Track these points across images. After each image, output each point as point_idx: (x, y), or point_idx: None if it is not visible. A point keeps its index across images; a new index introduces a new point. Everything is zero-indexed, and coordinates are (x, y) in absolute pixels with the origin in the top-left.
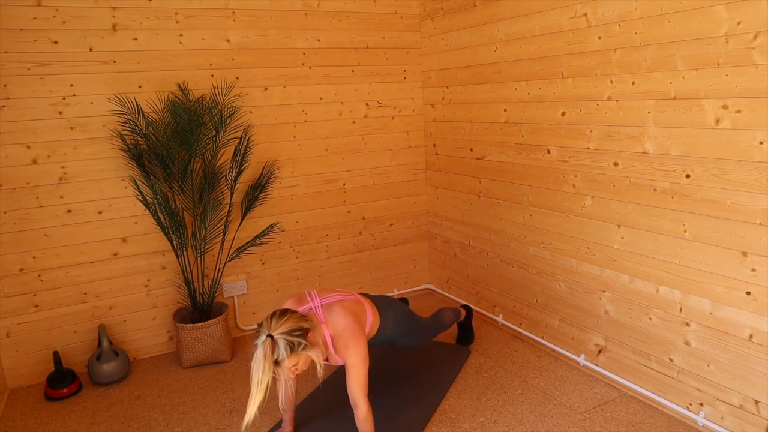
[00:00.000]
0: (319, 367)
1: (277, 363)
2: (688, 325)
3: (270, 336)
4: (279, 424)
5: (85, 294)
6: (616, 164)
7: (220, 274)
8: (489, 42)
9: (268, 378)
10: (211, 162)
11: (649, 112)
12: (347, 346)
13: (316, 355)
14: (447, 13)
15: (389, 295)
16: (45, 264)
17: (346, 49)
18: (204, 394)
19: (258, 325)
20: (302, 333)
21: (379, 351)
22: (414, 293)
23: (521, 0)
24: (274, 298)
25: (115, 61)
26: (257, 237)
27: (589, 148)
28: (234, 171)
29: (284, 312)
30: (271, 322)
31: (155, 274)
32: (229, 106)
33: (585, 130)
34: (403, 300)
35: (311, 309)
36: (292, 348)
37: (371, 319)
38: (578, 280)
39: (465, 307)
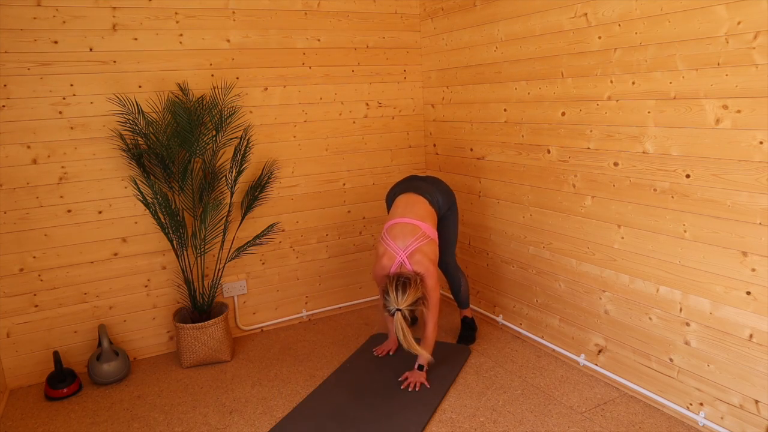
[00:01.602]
0: (424, 309)
1: (406, 320)
2: (688, 325)
3: (399, 310)
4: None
5: (85, 294)
6: (616, 164)
7: (220, 274)
8: (489, 42)
9: (408, 332)
10: (211, 162)
11: (649, 112)
12: (424, 279)
13: (425, 306)
14: (447, 13)
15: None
16: (45, 264)
17: (346, 49)
18: (204, 394)
19: (383, 293)
20: (419, 301)
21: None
22: None
23: (521, 0)
24: (274, 298)
25: (115, 61)
26: (257, 237)
27: (589, 148)
28: (234, 171)
29: (404, 285)
30: (397, 297)
31: (155, 274)
32: (229, 106)
33: (585, 130)
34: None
35: (401, 263)
36: (412, 312)
37: (434, 231)
38: (578, 280)
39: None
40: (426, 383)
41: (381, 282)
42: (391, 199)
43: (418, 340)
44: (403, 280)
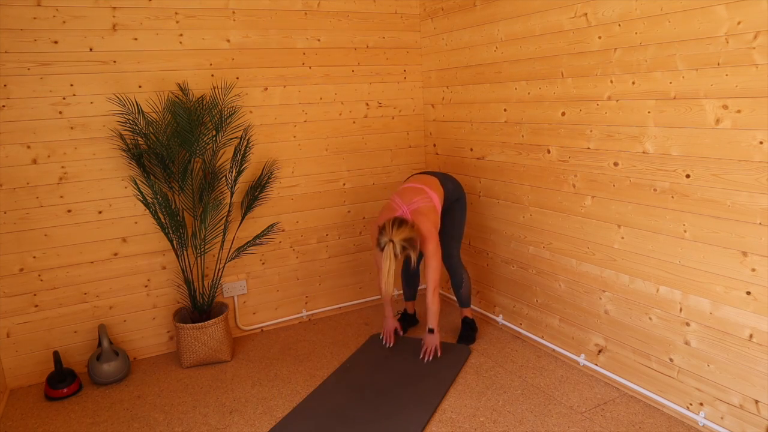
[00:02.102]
0: (413, 258)
1: (396, 255)
2: (688, 325)
3: (391, 241)
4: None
5: (85, 294)
6: (616, 164)
7: (220, 274)
8: (489, 42)
9: (392, 266)
10: (211, 162)
11: (649, 112)
12: (426, 244)
13: (414, 254)
14: (447, 13)
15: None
16: (45, 264)
17: (346, 49)
18: (204, 394)
19: (379, 229)
20: (412, 240)
21: (379, 352)
22: None
23: (521, 0)
24: (274, 298)
25: (115, 61)
26: (257, 237)
27: (589, 148)
28: (234, 171)
29: (401, 223)
30: (392, 230)
31: (155, 273)
32: (229, 106)
33: (585, 130)
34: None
35: (403, 215)
36: (404, 249)
37: (438, 204)
38: (578, 280)
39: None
40: (440, 348)
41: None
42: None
43: (418, 340)
44: (401, 219)
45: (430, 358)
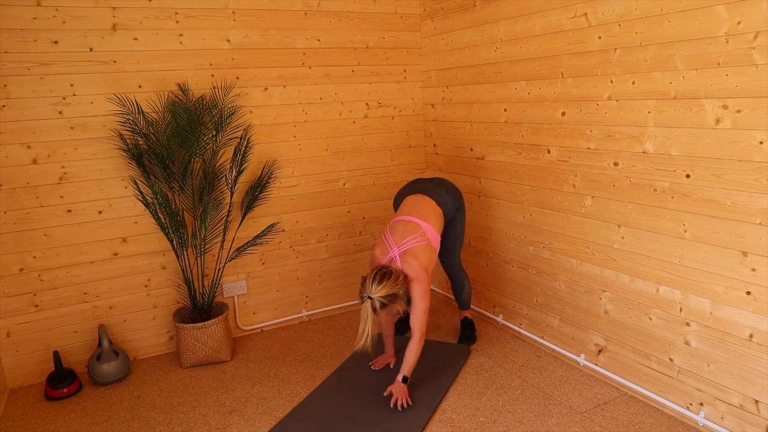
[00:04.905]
0: (400, 311)
1: (375, 311)
2: (688, 325)
3: (370, 297)
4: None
5: (85, 294)
6: (616, 164)
7: (220, 274)
8: (489, 42)
9: (369, 324)
10: (211, 162)
11: (649, 112)
12: (413, 286)
13: (400, 306)
14: (447, 13)
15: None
16: (45, 264)
17: (346, 49)
18: (204, 394)
19: (362, 279)
20: (393, 297)
21: (380, 352)
22: None
23: (521, 0)
24: (274, 298)
25: (115, 61)
26: (257, 237)
27: (589, 148)
28: (234, 171)
29: (383, 277)
30: (372, 286)
31: (155, 273)
32: (229, 106)
33: (585, 130)
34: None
35: (392, 259)
36: (383, 306)
37: (437, 233)
38: (578, 280)
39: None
40: (409, 400)
41: None
42: (397, 202)
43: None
44: (384, 272)
45: (403, 406)
